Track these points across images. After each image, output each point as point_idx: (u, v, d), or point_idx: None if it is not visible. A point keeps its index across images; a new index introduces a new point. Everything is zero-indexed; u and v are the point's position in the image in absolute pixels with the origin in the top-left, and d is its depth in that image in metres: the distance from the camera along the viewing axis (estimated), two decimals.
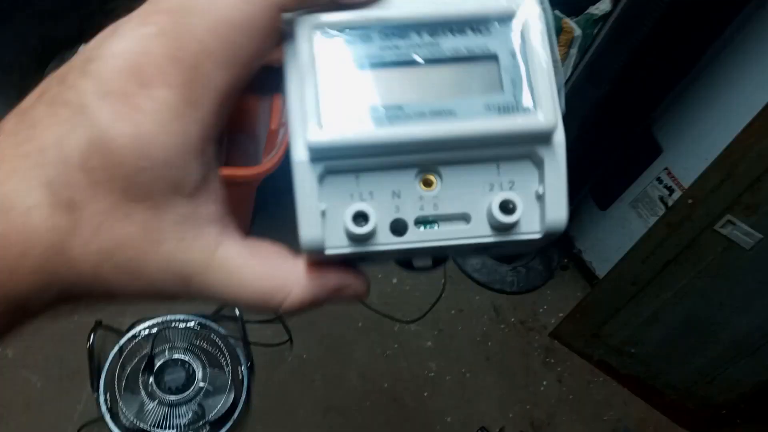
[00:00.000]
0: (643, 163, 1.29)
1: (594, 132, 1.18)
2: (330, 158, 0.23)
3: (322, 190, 0.23)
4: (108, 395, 1.24)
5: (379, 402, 1.40)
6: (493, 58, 0.23)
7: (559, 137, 0.24)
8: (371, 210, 0.23)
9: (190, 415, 1.24)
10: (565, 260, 1.62)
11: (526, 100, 0.23)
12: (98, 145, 0.20)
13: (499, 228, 0.24)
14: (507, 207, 0.23)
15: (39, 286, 0.21)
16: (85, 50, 0.22)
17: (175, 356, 1.28)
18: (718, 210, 1.06)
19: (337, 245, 0.23)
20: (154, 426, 1.22)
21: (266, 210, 1.37)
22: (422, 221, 0.24)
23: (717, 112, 1.13)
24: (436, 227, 0.24)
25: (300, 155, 0.23)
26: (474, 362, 1.47)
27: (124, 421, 1.22)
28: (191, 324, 1.33)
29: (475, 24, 0.23)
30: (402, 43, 0.23)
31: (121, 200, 0.21)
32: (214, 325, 1.34)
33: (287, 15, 0.23)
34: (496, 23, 0.23)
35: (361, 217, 0.23)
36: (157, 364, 1.27)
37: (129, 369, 1.27)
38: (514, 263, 1.57)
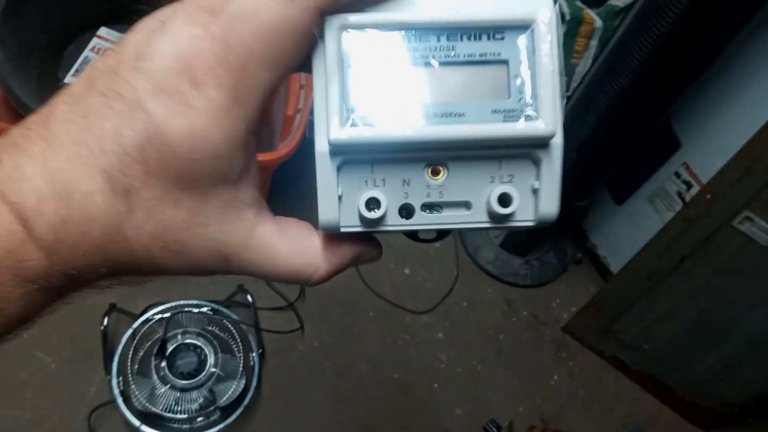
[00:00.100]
0: (662, 157, 1.27)
1: (612, 125, 1.17)
2: (348, 152, 0.25)
3: (340, 177, 0.26)
4: (120, 378, 1.25)
5: (388, 392, 1.40)
6: (503, 65, 0.25)
7: (557, 141, 0.25)
8: (382, 197, 0.26)
9: (201, 400, 1.25)
10: (579, 254, 1.61)
11: (530, 107, 0.25)
12: (154, 139, 0.22)
13: (496, 217, 0.26)
14: (505, 199, 0.26)
15: (95, 262, 0.24)
16: (130, 41, 0.24)
17: (188, 341, 1.29)
18: (736, 206, 1.05)
19: (351, 224, 0.26)
20: (165, 410, 1.23)
21: (282, 195, 1.37)
22: (428, 206, 0.26)
23: (737, 106, 1.11)
24: (440, 212, 0.27)
25: (322, 146, 0.25)
26: (485, 355, 1.47)
27: (136, 404, 1.23)
28: (204, 309, 1.33)
29: (491, 31, 0.25)
30: (421, 46, 0.25)
31: (172, 188, 0.23)
32: (226, 310, 1.35)
33: None
34: (510, 32, 0.25)
35: (373, 203, 0.26)
36: (170, 348, 1.28)
37: (142, 353, 1.28)
38: (528, 256, 1.57)
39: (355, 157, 0.25)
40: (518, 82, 0.25)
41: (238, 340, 1.32)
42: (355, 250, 0.28)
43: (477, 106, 0.25)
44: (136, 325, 1.30)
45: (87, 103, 0.23)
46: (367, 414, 1.37)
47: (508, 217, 0.26)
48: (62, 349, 1.32)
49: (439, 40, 0.25)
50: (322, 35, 0.24)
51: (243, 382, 1.28)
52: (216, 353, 1.29)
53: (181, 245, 0.25)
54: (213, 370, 1.27)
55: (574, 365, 1.48)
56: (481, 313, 1.51)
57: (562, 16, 1.40)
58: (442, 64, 0.25)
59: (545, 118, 0.25)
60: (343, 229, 0.26)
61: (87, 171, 0.23)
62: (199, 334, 1.30)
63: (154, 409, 1.22)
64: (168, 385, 1.25)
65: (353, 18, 0.24)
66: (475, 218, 0.27)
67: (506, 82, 0.25)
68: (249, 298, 1.37)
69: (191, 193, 0.24)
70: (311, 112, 0.25)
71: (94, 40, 1.24)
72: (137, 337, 1.29)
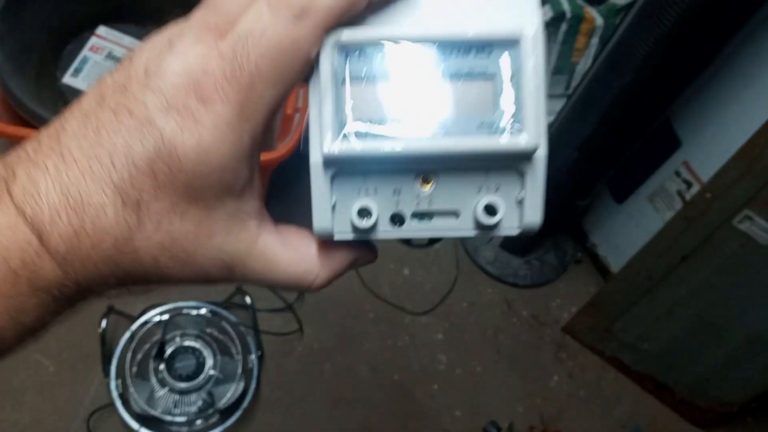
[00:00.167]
0: (662, 156, 1.27)
1: (613, 123, 1.17)
2: (341, 164, 0.26)
3: (334, 187, 0.27)
4: (119, 381, 1.25)
5: (388, 394, 1.39)
6: (490, 80, 0.26)
7: (541, 153, 0.26)
8: (374, 206, 0.27)
9: (200, 402, 1.25)
10: (579, 254, 1.61)
11: (515, 122, 0.26)
12: (163, 154, 0.24)
13: (482, 226, 0.27)
14: (491, 209, 0.27)
15: (105, 272, 0.25)
16: (139, 59, 0.25)
17: (186, 343, 1.28)
18: (736, 205, 1.05)
19: (344, 232, 0.27)
20: (164, 413, 1.22)
21: (281, 194, 1.36)
22: (418, 215, 0.28)
23: (738, 105, 1.11)
24: (429, 221, 0.28)
25: (316, 158, 0.26)
26: (485, 356, 1.46)
27: (134, 407, 1.22)
28: (203, 311, 1.33)
29: (480, 47, 0.26)
30: (412, 60, 0.25)
31: (179, 200, 0.25)
32: (225, 312, 1.34)
33: None
34: (497, 47, 0.26)
35: (365, 212, 0.27)
36: (168, 350, 1.27)
37: (140, 355, 1.28)
38: (528, 256, 1.57)
39: (348, 168, 0.27)
40: (504, 96, 0.26)
41: (237, 342, 1.31)
42: (351, 255, 0.30)
43: (465, 120, 0.26)
44: (134, 327, 1.30)
45: (98, 119, 0.24)
46: (367, 416, 1.37)
47: (494, 226, 0.27)
48: (61, 352, 1.31)
49: (429, 55, 0.26)
50: (318, 53, 0.25)
51: (242, 384, 1.28)
52: (215, 355, 1.28)
53: (187, 255, 0.26)
54: (212, 372, 1.27)
55: (574, 365, 1.48)
56: (481, 314, 1.51)
57: (563, 14, 1.40)
58: (433, 78, 0.26)
59: (529, 132, 0.26)
60: (336, 237, 0.28)
61: (98, 185, 0.24)
62: (197, 337, 1.30)
63: (152, 411, 1.22)
64: (167, 388, 1.25)
65: (346, 35, 0.25)
66: (463, 227, 0.28)
67: (492, 97, 0.26)
68: (248, 299, 1.37)
69: (198, 205, 0.25)
70: (306, 128, 0.26)
71: (93, 39, 1.24)
72: (136, 340, 1.28)
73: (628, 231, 1.41)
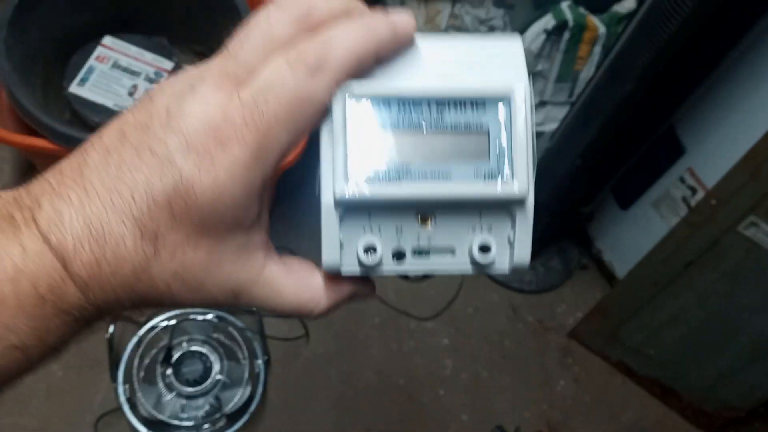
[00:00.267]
0: (666, 162, 1.27)
1: (616, 131, 1.17)
2: (350, 205, 0.29)
3: (342, 225, 0.29)
4: (127, 386, 1.25)
5: (394, 399, 1.40)
6: (485, 131, 0.28)
7: (530, 199, 0.29)
8: (378, 243, 0.29)
9: (207, 407, 1.25)
10: (585, 260, 1.60)
11: (507, 170, 0.28)
12: (181, 191, 0.25)
13: (477, 264, 0.30)
14: (485, 248, 0.30)
15: (122, 297, 0.27)
16: (160, 100, 0.26)
17: (193, 348, 1.29)
18: (741, 211, 1.04)
19: (351, 268, 0.30)
20: (171, 417, 1.23)
21: (287, 202, 1.37)
22: (418, 251, 0.30)
23: (742, 112, 1.11)
24: (428, 257, 0.30)
25: (328, 200, 0.28)
26: (490, 361, 1.46)
27: (142, 411, 1.23)
28: (209, 316, 1.34)
29: (475, 102, 0.28)
30: (415, 113, 0.28)
31: (193, 233, 0.26)
32: (231, 317, 1.35)
33: None
34: (491, 103, 0.28)
35: (371, 249, 0.29)
36: (175, 355, 1.28)
37: (147, 360, 1.28)
38: (533, 262, 1.56)
39: (356, 208, 0.29)
40: (497, 147, 0.28)
41: (244, 347, 1.32)
42: (353, 288, 0.32)
43: (461, 167, 0.28)
44: (141, 332, 1.31)
45: (120, 155, 0.26)
46: (373, 421, 1.37)
47: (488, 265, 0.30)
48: (69, 357, 1.32)
49: (429, 108, 0.28)
50: (330, 104, 0.28)
51: (249, 389, 1.28)
52: (221, 360, 1.29)
53: (198, 282, 0.28)
54: (218, 377, 1.28)
55: (580, 371, 1.48)
56: (487, 319, 1.51)
57: (566, 23, 1.40)
58: (432, 129, 0.28)
59: (520, 180, 0.28)
60: (344, 272, 0.30)
61: (119, 217, 0.26)
62: (204, 342, 1.31)
63: (160, 416, 1.23)
64: (174, 393, 1.25)
65: (356, 88, 0.28)
66: (459, 263, 0.30)
67: (487, 148, 0.28)
68: None
69: (210, 238, 0.27)
70: (318, 170, 0.29)
71: (99, 49, 1.25)
72: (143, 345, 1.29)
73: (633, 237, 1.41)
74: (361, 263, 0.29)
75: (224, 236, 0.27)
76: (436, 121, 0.28)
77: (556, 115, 1.53)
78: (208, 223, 0.26)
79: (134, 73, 1.24)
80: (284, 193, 1.37)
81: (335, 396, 1.38)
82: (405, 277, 0.35)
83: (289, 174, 1.16)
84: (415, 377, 1.42)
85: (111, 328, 1.29)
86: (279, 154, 0.27)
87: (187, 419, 1.24)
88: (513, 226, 0.30)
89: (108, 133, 0.27)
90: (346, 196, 0.28)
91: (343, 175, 0.28)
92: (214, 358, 1.29)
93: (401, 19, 0.28)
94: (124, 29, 1.28)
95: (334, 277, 0.31)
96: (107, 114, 1.20)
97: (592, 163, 1.24)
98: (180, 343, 1.30)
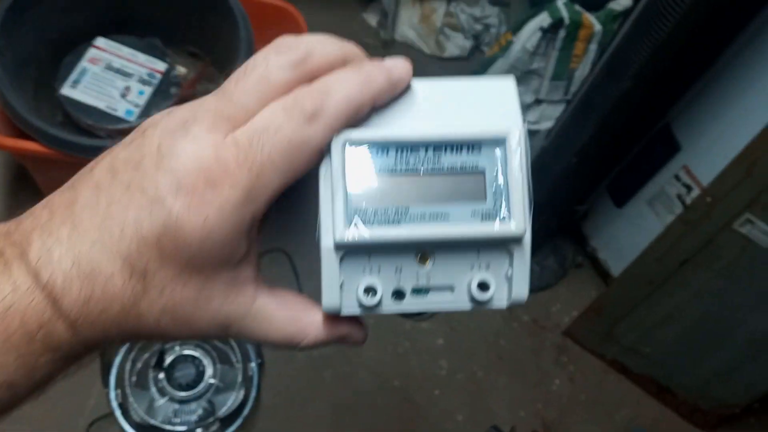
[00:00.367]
0: (662, 160, 1.27)
1: (612, 128, 1.17)
2: (350, 248, 0.29)
3: (342, 267, 0.29)
4: (119, 391, 1.24)
5: (389, 400, 1.39)
6: (481, 173, 0.29)
7: (527, 237, 0.29)
8: (378, 283, 0.29)
9: (200, 411, 1.24)
10: (580, 258, 1.60)
11: (504, 210, 0.29)
12: (170, 230, 0.25)
13: (476, 301, 0.30)
14: (484, 286, 0.30)
15: (111, 333, 0.27)
16: (152, 138, 0.26)
17: (185, 352, 1.28)
18: (736, 208, 1.04)
19: (351, 309, 0.30)
20: (164, 422, 1.22)
21: (284, 211, 1.36)
22: (417, 290, 0.30)
23: (737, 109, 1.11)
24: (427, 295, 0.30)
25: (328, 243, 0.29)
26: (486, 361, 1.46)
27: (134, 416, 1.22)
28: None
29: (470, 145, 0.29)
30: (412, 157, 0.29)
31: (182, 270, 0.26)
32: None
33: None
34: (486, 146, 0.29)
35: (371, 290, 0.29)
36: (168, 360, 1.27)
37: (139, 364, 1.27)
38: None
39: (356, 250, 0.29)
40: (493, 188, 0.29)
41: (237, 350, 1.31)
42: (348, 329, 0.32)
43: (459, 208, 0.29)
44: None
45: (110, 193, 0.26)
46: (368, 422, 1.36)
47: (486, 302, 0.30)
48: None
49: (426, 152, 0.29)
50: (328, 149, 0.28)
51: (242, 392, 1.27)
52: (214, 364, 1.28)
53: (187, 318, 0.28)
54: (211, 381, 1.26)
55: (576, 369, 1.48)
56: (482, 319, 1.51)
57: (561, 20, 1.40)
58: (429, 172, 0.29)
59: (517, 219, 0.29)
60: (344, 313, 0.30)
61: (109, 255, 0.26)
62: (197, 345, 1.29)
63: (152, 421, 1.21)
64: (166, 397, 1.24)
65: (354, 135, 0.28)
66: (458, 301, 0.30)
67: (483, 188, 0.29)
68: None
69: (199, 275, 0.27)
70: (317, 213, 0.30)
71: (91, 51, 1.23)
72: (135, 349, 1.28)
73: (628, 235, 1.41)
74: (360, 304, 0.30)
75: (213, 273, 0.27)
76: (432, 164, 0.29)
77: (552, 114, 1.53)
78: (197, 261, 0.26)
79: (127, 75, 1.23)
80: (282, 203, 1.36)
81: (330, 398, 1.37)
82: (403, 315, 0.34)
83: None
84: (411, 378, 1.42)
85: None
86: (270, 195, 0.27)
87: (180, 424, 1.23)
88: (511, 264, 0.30)
89: (99, 169, 0.27)
90: (346, 240, 0.28)
91: (343, 219, 0.28)
92: (206, 361, 1.28)
93: (397, 65, 0.28)
94: (117, 30, 1.26)
95: (331, 317, 0.31)
96: (100, 116, 1.19)
97: (588, 162, 1.24)
98: (172, 347, 1.28)
